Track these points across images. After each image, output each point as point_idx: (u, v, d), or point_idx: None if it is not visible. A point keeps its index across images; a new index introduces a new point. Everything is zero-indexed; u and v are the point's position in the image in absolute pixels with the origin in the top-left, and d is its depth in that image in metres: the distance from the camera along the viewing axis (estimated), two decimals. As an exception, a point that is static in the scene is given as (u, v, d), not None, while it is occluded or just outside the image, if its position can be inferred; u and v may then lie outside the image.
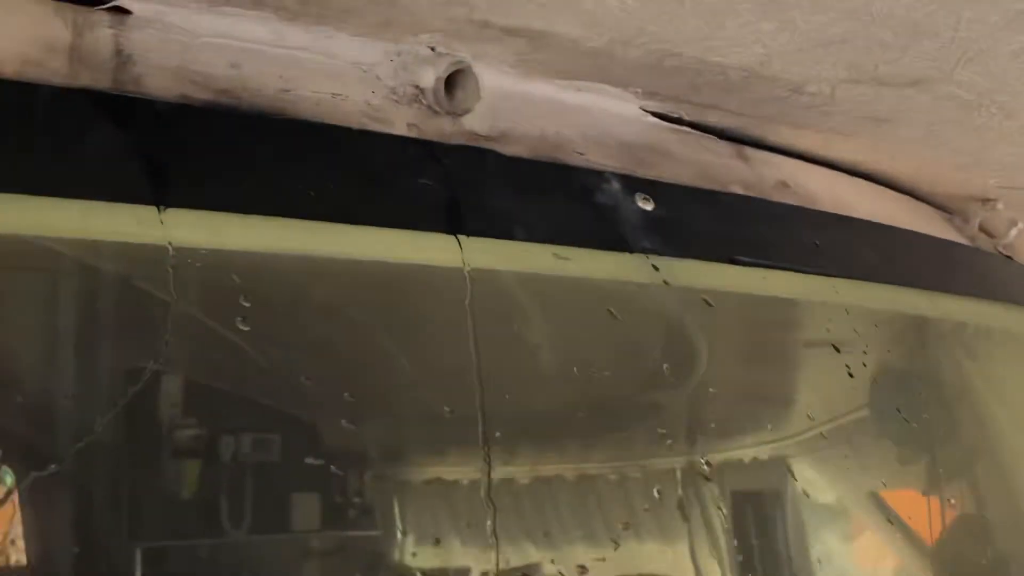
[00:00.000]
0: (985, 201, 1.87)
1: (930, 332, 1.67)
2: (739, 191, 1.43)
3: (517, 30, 1.08)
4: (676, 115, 1.46)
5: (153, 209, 0.86)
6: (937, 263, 1.56)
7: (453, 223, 1.02)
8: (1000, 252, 1.91)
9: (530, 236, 1.05)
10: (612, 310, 1.05)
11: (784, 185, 1.51)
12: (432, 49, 1.20)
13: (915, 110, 1.28)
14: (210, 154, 0.96)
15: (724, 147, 1.50)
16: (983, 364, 1.77)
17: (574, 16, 1.02)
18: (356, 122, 1.12)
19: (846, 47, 1.03)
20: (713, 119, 1.47)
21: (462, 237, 1.00)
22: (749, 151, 1.54)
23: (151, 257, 0.84)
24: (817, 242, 1.35)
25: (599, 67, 1.22)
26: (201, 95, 1.04)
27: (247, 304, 0.88)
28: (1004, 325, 1.63)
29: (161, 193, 0.87)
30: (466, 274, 0.98)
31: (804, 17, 0.95)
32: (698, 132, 1.50)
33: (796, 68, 1.13)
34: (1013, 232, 1.86)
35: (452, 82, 1.18)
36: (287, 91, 1.10)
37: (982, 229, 1.91)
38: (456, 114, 1.19)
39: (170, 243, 0.84)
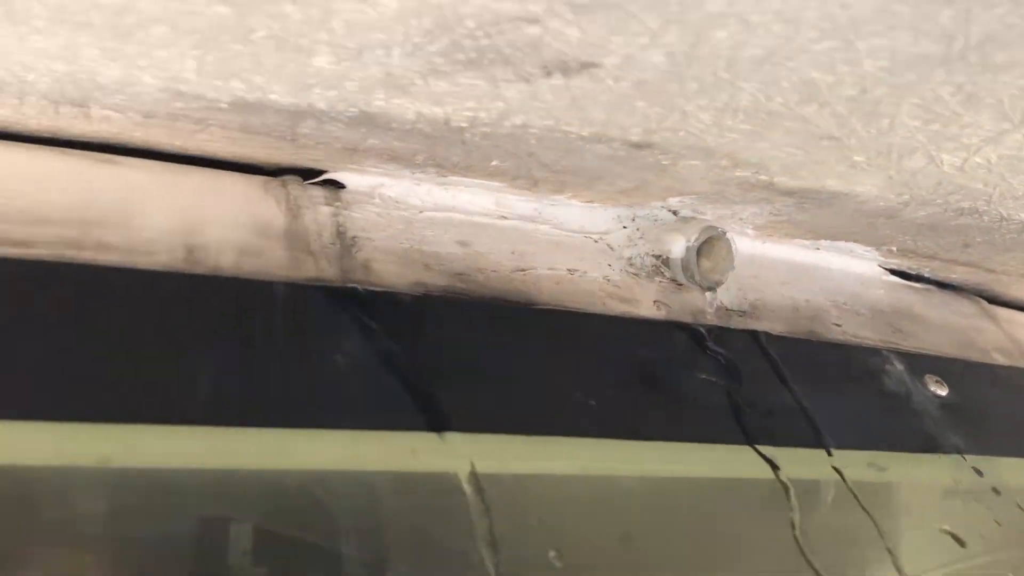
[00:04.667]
0: None
1: None
2: (1001, 360, 1.22)
3: (799, 191, 0.91)
4: (916, 272, 1.27)
5: (433, 436, 0.68)
6: None
7: (749, 430, 0.82)
8: None
9: (839, 442, 0.85)
10: (953, 533, 0.83)
11: (1039, 348, 1.30)
12: (674, 213, 1.03)
13: None
14: (467, 358, 0.78)
15: (967, 305, 1.31)
16: None
17: (884, 176, 0.84)
18: (599, 303, 0.95)
19: None
20: (957, 275, 1.29)
21: (767, 448, 0.80)
22: (992, 309, 1.34)
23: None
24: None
25: (866, 226, 1.05)
26: (436, 281, 0.87)
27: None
28: None
29: (437, 416, 0.69)
30: (787, 484, 0.77)
31: None
32: (936, 288, 1.31)
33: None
34: None
35: (698, 249, 1.01)
36: (523, 270, 0.94)
37: None
38: (707, 288, 1.01)
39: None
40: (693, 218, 1.02)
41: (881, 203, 0.94)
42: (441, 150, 0.83)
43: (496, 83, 0.65)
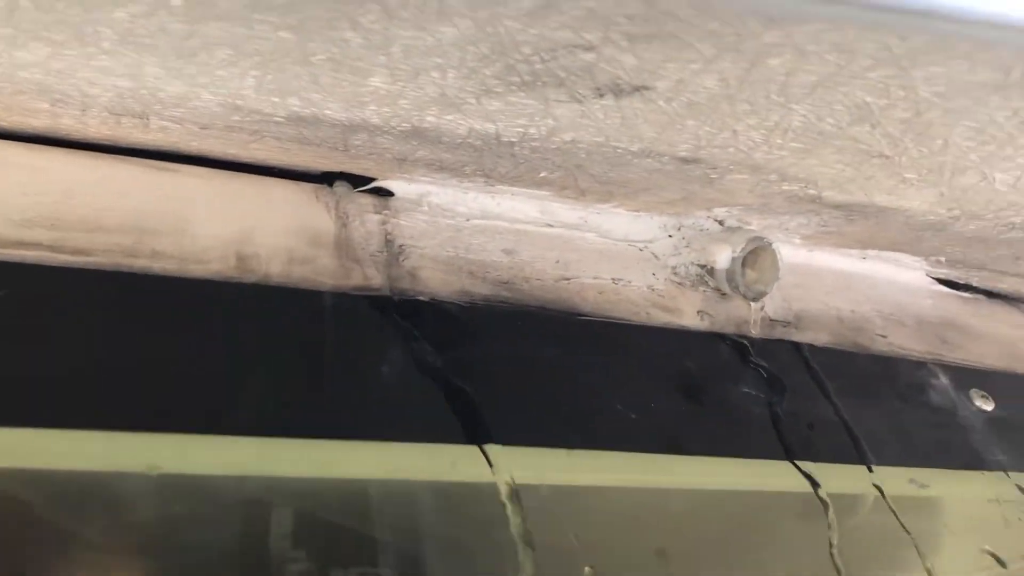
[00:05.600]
0: None
1: None
2: (1050, 372, 1.20)
3: (847, 205, 0.90)
4: (965, 281, 1.26)
5: (473, 448, 0.69)
6: None
7: (790, 445, 0.82)
8: None
9: (880, 458, 0.85)
10: (993, 552, 0.83)
11: (1092, 360, 1.28)
12: (720, 222, 1.03)
13: None
14: (510, 368, 0.79)
15: (1017, 315, 1.29)
16: None
17: (935, 192, 0.84)
18: (643, 312, 0.95)
19: None
20: (1005, 285, 1.27)
21: (807, 464, 0.80)
22: (1042, 319, 1.32)
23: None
24: None
25: (914, 238, 1.04)
26: (481, 290, 0.88)
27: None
28: None
29: (478, 428, 0.70)
30: (826, 501, 0.78)
31: None
32: (985, 298, 1.30)
33: None
34: None
35: (744, 259, 1.01)
36: (567, 279, 0.94)
37: None
38: (752, 298, 1.01)
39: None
40: (739, 228, 1.02)
41: (931, 217, 0.93)
42: (490, 162, 0.84)
43: (548, 103, 0.65)
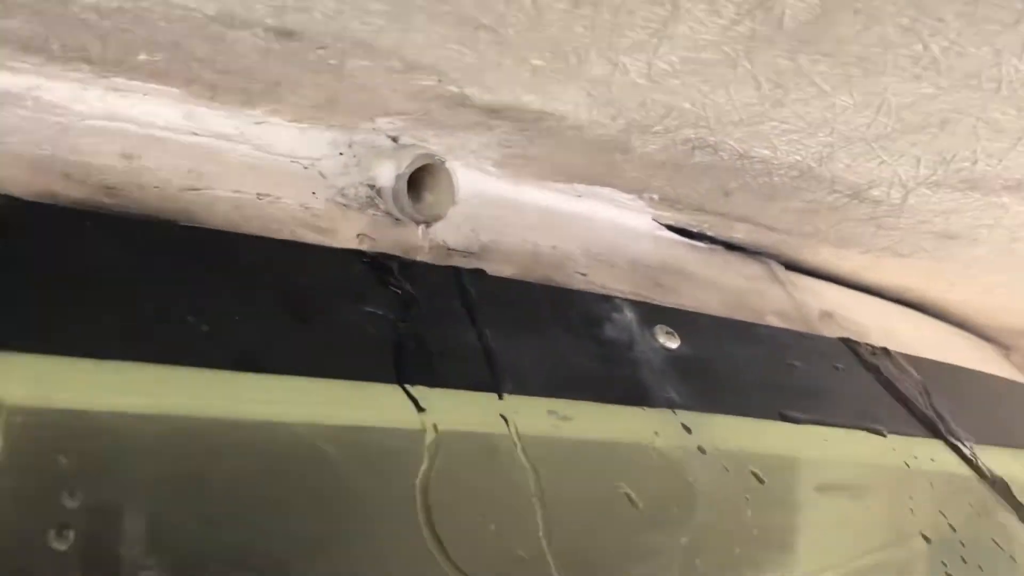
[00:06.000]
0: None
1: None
2: (777, 323, 1.14)
3: (503, 109, 0.81)
4: (697, 229, 1.19)
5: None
6: (1016, 413, 1.27)
7: (413, 371, 0.72)
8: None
9: (520, 388, 0.75)
10: (630, 493, 0.74)
11: (828, 316, 1.24)
12: (394, 139, 0.93)
13: (1002, 224, 1.01)
14: (57, 272, 0.66)
15: (755, 268, 1.23)
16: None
17: (579, 90, 0.75)
18: (287, 231, 0.84)
19: (944, 132, 0.77)
20: (740, 234, 1.21)
21: (423, 389, 0.70)
22: (784, 274, 1.27)
23: None
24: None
25: (607, 165, 0.96)
26: (73, 193, 0.76)
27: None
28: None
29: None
30: (431, 430, 0.68)
31: (900, 86, 0.69)
32: (722, 249, 1.23)
33: (867, 164, 0.86)
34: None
35: (419, 181, 0.91)
36: (196, 190, 0.82)
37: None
38: (422, 222, 0.91)
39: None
40: (413, 145, 0.92)
41: (599, 130, 0.85)
42: (70, 37, 0.72)
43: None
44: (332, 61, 0.74)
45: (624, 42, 0.67)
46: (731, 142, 0.85)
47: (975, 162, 0.83)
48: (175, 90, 0.83)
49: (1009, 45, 0.61)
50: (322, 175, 0.92)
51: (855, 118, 0.76)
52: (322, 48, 0.72)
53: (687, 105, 0.77)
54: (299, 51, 0.72)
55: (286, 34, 0.69)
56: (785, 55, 0.65)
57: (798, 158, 0.88)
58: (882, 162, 0.85)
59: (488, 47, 0.69)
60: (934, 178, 0.89)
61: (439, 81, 0.76)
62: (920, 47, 0.62)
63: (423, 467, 0.65)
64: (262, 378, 0.66)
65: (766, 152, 0.87)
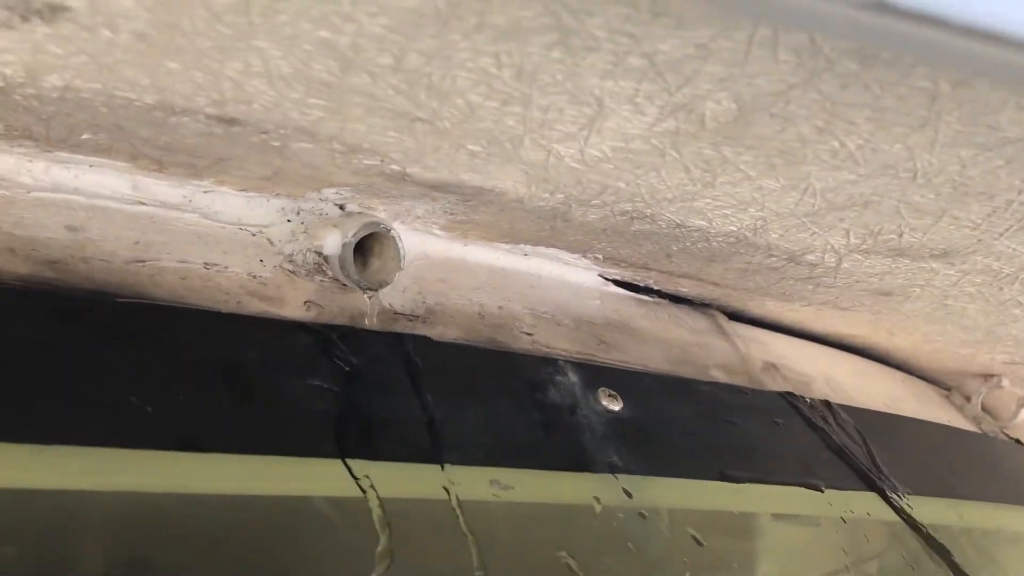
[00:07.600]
0: (987, 377, 1.66)
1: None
2: (722, 378, 1.17)
3: (444, 185, 0.83)
4: (643, 283, 1.22)
5: None
6: (953, 460, 1.31)
7: (356, 445, 0.74)
8: (1006, 435, 1.68)
9: (462, 458, 0.77)
10: (570, 563, 0.76)
11: (772, 367, 1.27)
12: (341, 207, 0.95)
13: (933, 284, 1.05)
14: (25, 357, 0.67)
15: (701, 320, 1.26)
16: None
17: (517, 170, 0.77)
18: (233, 301, 0.85)
19: (868, 211, 0.80)
20: (686, 288, 1.24)
21: (365, 463, 0.72)
22: (729, 325, 1.30)
23: None
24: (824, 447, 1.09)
25: (551, 230, 0.98)
26: (18, 268, 0.76)
27: None
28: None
29: None
30: (373, 505, 0.69)
31: (822, 174, 0.72)
32: (668, 302, 1.26)
33: (800, 235, 0.89)
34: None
35: (366, 247, 0.93)
36: (142, 262, 0.83)
37: (984, 409, 1.68)
38: (368, 288, 0.93)
39: None
40: (359, 213, 0.94)
41: (539, 202, 0.87)
42: (12, 119, 0.73)
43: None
44: (275, 143, 0.76)
45: (555, 134, 0.69)
46: (668, 214, 0.88)
47: (901, 235, 0.86)
48: (121, 163, 0.84)
49: (919, 143, 0.64)
50: (270, 242, 0.93)
51: (783, 198, 0.79)
52: (264, 133, 0.73)
53: (622, 185, 0.79)
54: (242, 134, 0.74)
55: (227, 121, 0.71)
56: (710, 147, 0.68)
57: (733, 228, 0.90)
58: (813, 233, 0.88)
59: (426, 136, 0.71)
60: (864, 246, 0.92)
61: (381, 161, 0.78)
62: (836, 143, 0.65)
63: (378, 540, 0.67)
64: (207, 458, 0.67)
65: (702, 223, 0.90)
